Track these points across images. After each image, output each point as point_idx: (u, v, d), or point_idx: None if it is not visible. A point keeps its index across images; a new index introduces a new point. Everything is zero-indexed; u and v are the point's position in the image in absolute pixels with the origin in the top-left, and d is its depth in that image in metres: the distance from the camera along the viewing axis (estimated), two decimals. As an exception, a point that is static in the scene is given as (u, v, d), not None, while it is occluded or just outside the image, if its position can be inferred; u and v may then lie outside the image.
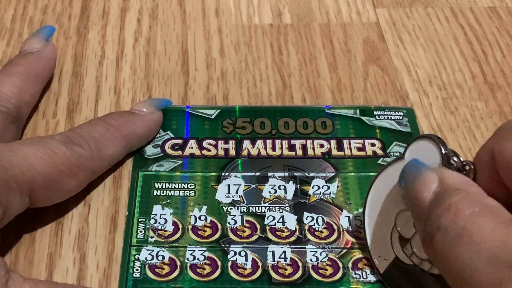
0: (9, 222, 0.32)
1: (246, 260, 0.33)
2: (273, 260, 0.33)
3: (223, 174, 0.37)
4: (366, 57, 0.43)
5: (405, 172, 0.30)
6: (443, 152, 0.30)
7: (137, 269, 0.32)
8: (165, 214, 0.35)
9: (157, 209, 0.35)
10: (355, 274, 0.33)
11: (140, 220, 0.34)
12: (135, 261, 0.33)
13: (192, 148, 0.38)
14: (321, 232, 0.34)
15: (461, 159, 0.30)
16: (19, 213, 0.32)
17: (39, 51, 0.39)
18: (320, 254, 0.33)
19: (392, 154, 0.37)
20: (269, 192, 0.36)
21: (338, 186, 0.36)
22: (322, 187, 0.36)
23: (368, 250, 0.33)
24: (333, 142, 0.38)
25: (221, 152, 0.38)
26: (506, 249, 0.24)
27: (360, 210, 0.35)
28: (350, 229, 0.34)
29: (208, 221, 0.34)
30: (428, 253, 0.27)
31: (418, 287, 0.31)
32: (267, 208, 0.35)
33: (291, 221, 0.35)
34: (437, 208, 0.27)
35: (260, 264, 0.33)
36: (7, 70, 0.38)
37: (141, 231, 0.34)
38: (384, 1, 0.48)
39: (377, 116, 0.39)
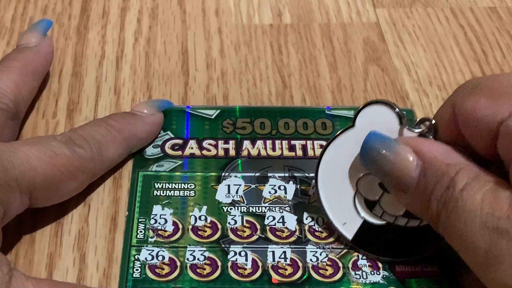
0: (9, 222, 0.32)
1: (246, 260, 0.33)
2: (273, 260, 0.33)
3: (223, 174, 0.36)
4: (366, 57, 0.43)
5: (369, 146, 0.31)
6: (398, 113, 0.31)
7: (137, 269, 0.32)
8: (165, 214, 0.35)
9: (157, 209, 0.35)
10: (355, 274, 0.33)
11: (140, 220, 0.34)
12: (135, 261, 0.33)
13: (192, 148, 0.38)
14: (321, 232, 0.34)
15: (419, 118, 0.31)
16: (19, 213, 0.32)
17: (36, 46, 0.39)
18: (320, 254, 0.33)
19: None
20: (269, 192, 0.36)
21: None
22: None
23: (330, 221, 0.33)
24: None
25: (221, 152, 0.38)
26: (493, 216, 0.26)
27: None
28: None
29: (208, 221, 0.34)
30: (439, 230, 0.29)
31: (395, 243, 0.33)
32: (267, 208, 0.35)
33: (291, 221, 0.35)
34: (431, 186, 0.28)
35: (260, 264, 0.33)
36: (4, 65, 0.37)
37: (141, 231, 0.34)
38: (384, 1, 0.48)
39: None
